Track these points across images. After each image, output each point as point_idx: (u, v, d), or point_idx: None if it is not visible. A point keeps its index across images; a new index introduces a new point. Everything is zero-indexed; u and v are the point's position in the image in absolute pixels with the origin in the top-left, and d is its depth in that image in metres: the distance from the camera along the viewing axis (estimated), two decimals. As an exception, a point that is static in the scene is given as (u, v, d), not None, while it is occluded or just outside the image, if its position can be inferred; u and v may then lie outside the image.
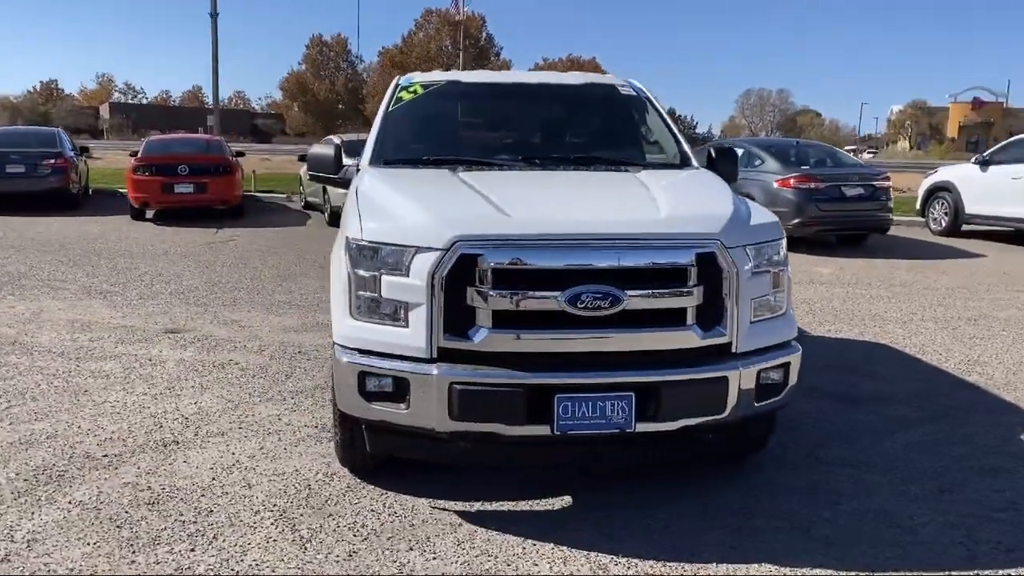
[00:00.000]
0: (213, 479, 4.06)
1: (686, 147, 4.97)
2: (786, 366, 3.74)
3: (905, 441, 4.72)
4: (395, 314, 3.51)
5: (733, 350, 3.56)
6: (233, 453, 4.41)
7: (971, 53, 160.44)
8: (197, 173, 14.69)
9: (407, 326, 3.47)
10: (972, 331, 7.51)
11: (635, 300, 3.37)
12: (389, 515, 3.70)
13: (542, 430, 3.39)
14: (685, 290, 3.43)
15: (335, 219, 14.62)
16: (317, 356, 6.36)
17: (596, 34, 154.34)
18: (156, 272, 9.97)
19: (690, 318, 3.46)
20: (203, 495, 3.89)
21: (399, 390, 3.47)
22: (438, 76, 5.30)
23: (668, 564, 3.30)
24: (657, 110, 5.23)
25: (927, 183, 15.09)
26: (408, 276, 3.45)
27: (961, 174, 14.35)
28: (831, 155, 13.70)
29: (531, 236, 3.39)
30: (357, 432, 3.86)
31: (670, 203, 3.72)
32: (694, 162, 4.86)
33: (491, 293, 3.34)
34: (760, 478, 4.16)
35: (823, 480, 4.16)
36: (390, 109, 4.98)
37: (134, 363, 6.11)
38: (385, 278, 3.50)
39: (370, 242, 3.54)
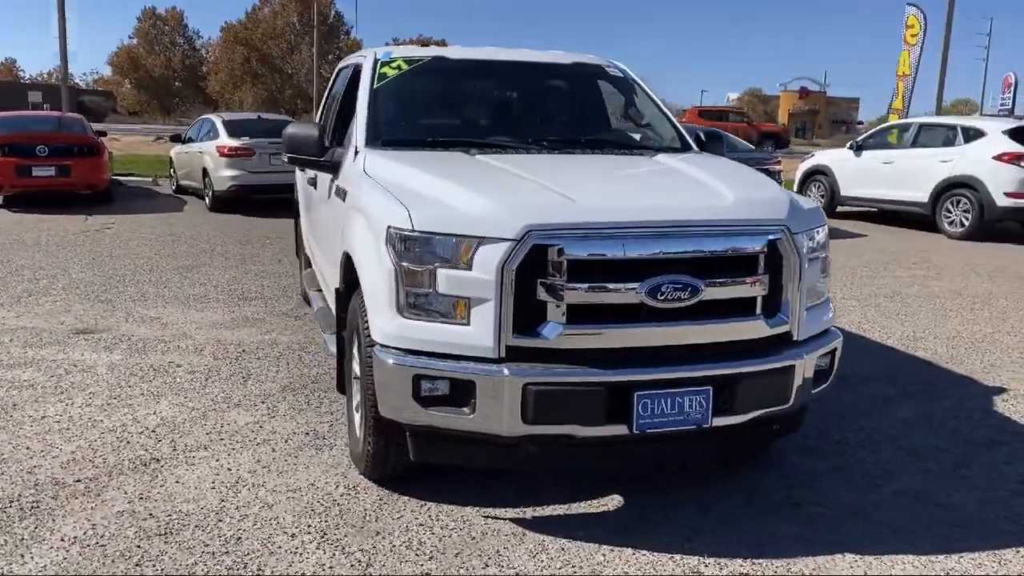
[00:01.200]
0: (222, 501, 3.61)
1: (683, 130, 4.87)
2: (833, 352, 3.72)
3: (898, 419, 4.85)
4: (455, 311, 3.20)
5: (794, 338, 3.49)
6: (229, 469, 3.94)
7: (796, 45, 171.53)
8: (59, 154, 13.31)
9: (468, 324, 3.18)
10: (895, 308, 7.91)
11: (711, 290, 3.23)
12: (442, 529, 3.40)
13: (619, 430, 3.20)
14: (757, 278, 3.32)
15: (219, 205, 13.71)
16: (266, 355, 5.85)
17: (444, 15, 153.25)
18: (36, 265, 8.95)
19: (759, 307, 3.37)
20: (219, 520, 3.44)
21: (463, 393, 3.18)
22: (418, 51, 4.94)
23: (756, 562, 3.20)
24: (646, 92, 5.11)
25: (804, 167, 15.88)
26: (471, 270, 3.15)
27: (836, 158, 15.19)
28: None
29: (610, 224, 3.17)
30: (393, 441, 3.52)
31: (727, 189, 3.59)
32: (694, 145, 4.77)
33: (567, 286, 3.10)
34: (788, 465, 4.14)
35: (846, 463, 4.19)
36: (376, 86, 4.58)
37: (57, 370, 5.41)
38: (442, 272, 3.19)
39: (422, 232, 3.21)
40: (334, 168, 4.47)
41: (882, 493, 3.85)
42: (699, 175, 3.83)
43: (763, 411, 3.41)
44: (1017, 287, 9.16)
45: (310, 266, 6.76)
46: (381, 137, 4.30)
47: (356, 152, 4.23)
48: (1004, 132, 12.33)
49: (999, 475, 4.09)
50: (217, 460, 4.04)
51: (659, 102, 5.04)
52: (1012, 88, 50.53)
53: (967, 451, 4.39)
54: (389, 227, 3.30)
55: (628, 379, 3.16)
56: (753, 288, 3.32)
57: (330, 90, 6.34)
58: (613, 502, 3.68)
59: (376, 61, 4.77)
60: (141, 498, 3.62)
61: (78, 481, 3.78)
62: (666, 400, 3.19)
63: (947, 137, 13.15)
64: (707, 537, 3.38)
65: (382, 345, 3.33)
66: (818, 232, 3.66)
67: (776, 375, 3.38)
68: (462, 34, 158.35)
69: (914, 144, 13.70)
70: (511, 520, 3.49)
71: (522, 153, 4.19)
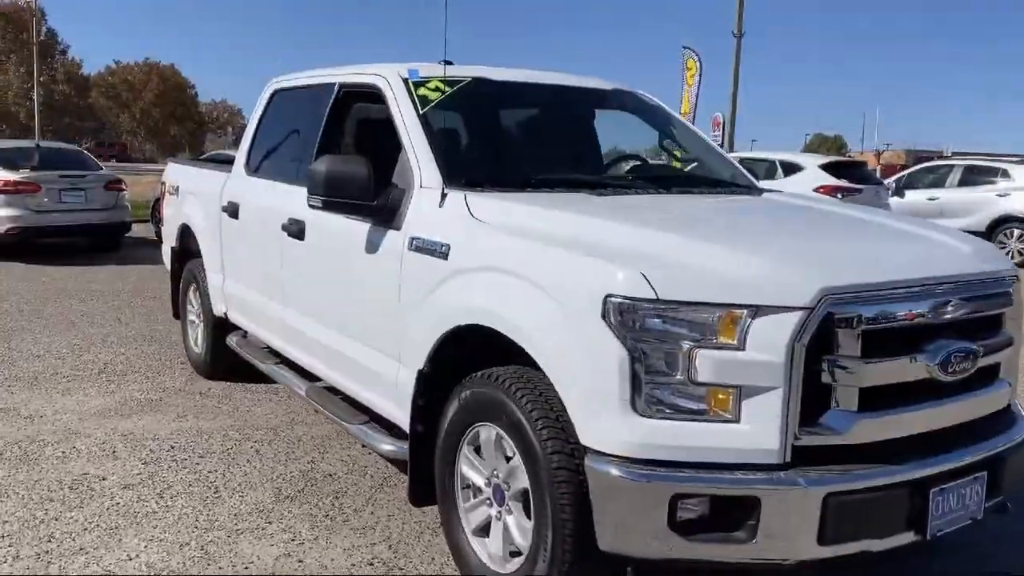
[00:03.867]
0: None
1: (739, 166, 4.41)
2: None
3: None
4: (717, 405, 2.44)
5: (1010, 403, 3.10)
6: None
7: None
8: None
9: (738, 420, 2.44)
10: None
11: (983, 354, 2.75)
12: None
13: (909, 537, 2.60)
14: (1006, 337, 2.90)
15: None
16: (209, 452, 4.56)
17: (171, 38, 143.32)
18: None
19: (1001, 371, 2.94)
20: None
21: (738, 514, 2.42)
22: (448, 71, 4.03)
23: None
24: (684, 122, 4.58)
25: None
26: (743, 349, 2.41)
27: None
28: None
29: (905, 283, 2.59)
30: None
31: (944, 236, 3.14)
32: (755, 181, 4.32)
33: (863, 363, 2.47)
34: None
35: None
36: (422, 112, 3.64)
37: (-81, 502, 3.80)
38: (704, 354, 2.41)
39: (670, 302, 2.42)
40: (383, 215, 3.47)
41: None
42: (883, 220, 3.36)
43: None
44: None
45: (228, 331, 5.47)
46: (462, 176, 3.39)
47: (442, 195, 3.28)
48: (820, 167, 13.31)
49: None
50: (290, 626, 2.89)
51: (702, 133, 4.53)
52: (721, 127, 56.96)
53: None
54: (610, 296, 2.47)
55: (927, 473, 2.58)
56: (1005, 349, 2.89)
57: (263, 117, 5.17)
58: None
59: (405, 81, 3.81)
60: None
61: None
62: (952, 494, 2.65)
63: (768, 170, 13.96)
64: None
65: (605, 454, 2.48)
66: None
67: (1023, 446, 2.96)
68: (193, 57, 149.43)
69: (736, 178, 14.40)
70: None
71: (641, 194, 3.48)
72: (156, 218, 13.89)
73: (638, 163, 4.40)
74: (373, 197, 3.43)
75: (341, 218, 3.70)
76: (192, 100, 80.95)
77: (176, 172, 6.45)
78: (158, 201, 13.65)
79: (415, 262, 3.28)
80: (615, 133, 4.60)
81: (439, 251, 3.15)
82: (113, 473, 4.23)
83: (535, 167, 3.73)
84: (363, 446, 4.41)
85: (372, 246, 3.56)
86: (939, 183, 15.22)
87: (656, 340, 2.44)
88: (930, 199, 14.83)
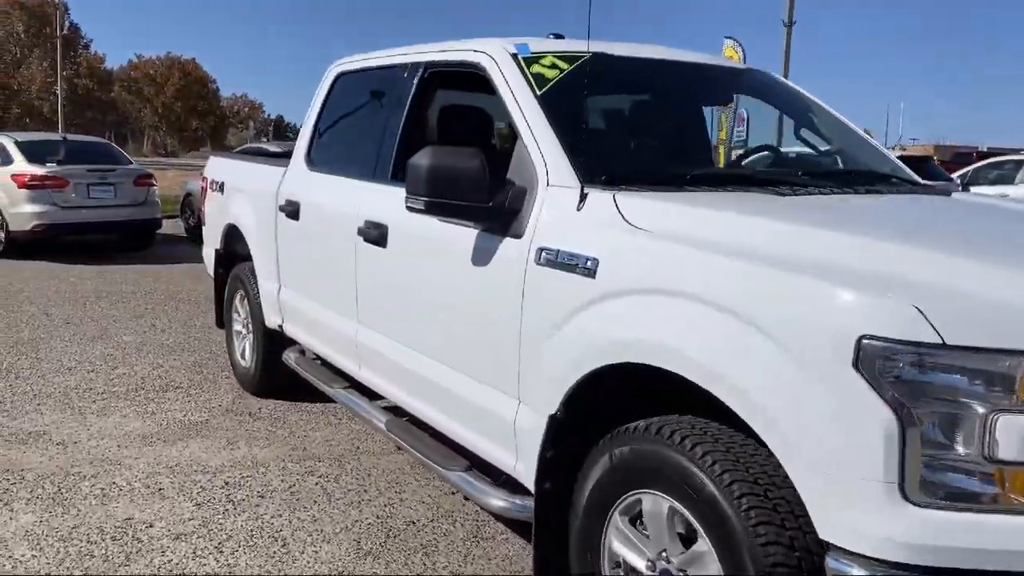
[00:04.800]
0: None
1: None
2: None
3: None
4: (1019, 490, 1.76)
5: None
6: None
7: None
8: None
9: (1055, 512, 1.76)
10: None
11: None
12: None
13: None
14: None
15: (15, 249, 10.70)
16: (268, 489, 3.94)
17: (191, 34, 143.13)
18: None
19: None
20: None
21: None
22: (560, 45, 3.36)
23: None
24: (822, 106, 3.87)
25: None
26: (1062, 414, 1.73)
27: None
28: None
29: None
30: None
31: None
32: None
33: None
34: None
35: None
36: (540, 93, 2.97)
37: (-64, 558, 3.18)
38: (1006, 420, 1.73)
39: (959, 348, 1.74)
40: (507, 219, 2.80)
41: None
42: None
43: None
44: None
45: (281, 344, 4.85)
46: (601, 171, 2.71)
47: (581, 195, 2.60)
48: (886, 161, 12.55)
49: None
50: None
51: (846, 120, 3.83)
52: (745, 123, 56.54)
53: None
54: (867, 338, 1.78)
55: None
56: None
57: (325, 104, 4.51)
58: None
59: (515, 56, 3.15)
60: None
61: None
62: None
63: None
64: None
65: (863, 556, 1.80)
66: None
67: None
68: (212, 52, 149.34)
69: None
70: None
71: (827, 194, 2.79)
72: (186, 214, 13.34)
73: (775, 156, 3.72)
74: (488, 198, 2.77)
75: (436, 222, 3.04)
76: (214, 94, 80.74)
77: (220, 167, 5.83)
78: (188, 196, 13.13)
79: (546, 279, 2.61)
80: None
81: (582, 267, 2.48)
82: (161, 518, 3.60)
83: (684, 160, 3.06)
84: (461, 495, 3.75)
85: (482, 257, 2.89)
86: (1007, 179, 14.43)
87: (937, 400, 1.76)
88: (1000, 196, 14.01)
